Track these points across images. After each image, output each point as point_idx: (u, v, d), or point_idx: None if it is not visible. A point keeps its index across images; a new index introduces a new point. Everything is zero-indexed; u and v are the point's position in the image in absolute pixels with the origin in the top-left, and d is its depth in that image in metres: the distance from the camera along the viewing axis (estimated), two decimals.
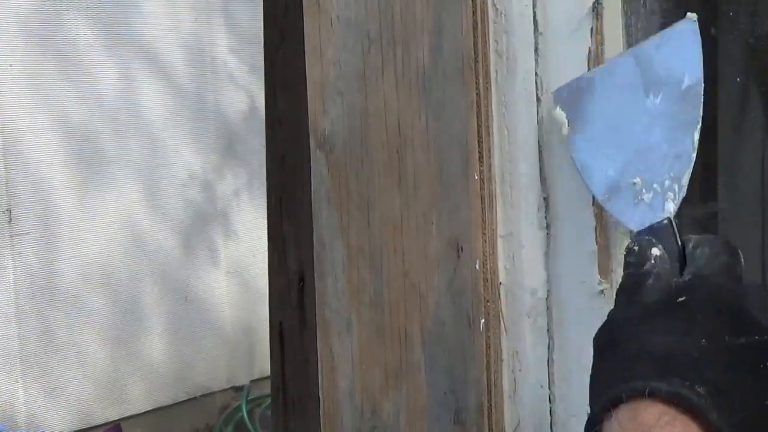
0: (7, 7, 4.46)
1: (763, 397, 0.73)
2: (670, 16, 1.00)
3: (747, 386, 0.73)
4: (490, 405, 1.01)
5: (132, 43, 4.88)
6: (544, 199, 1.02)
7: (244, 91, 5.35)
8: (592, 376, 0.79)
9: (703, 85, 0.86)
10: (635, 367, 0.73)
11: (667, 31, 0.89)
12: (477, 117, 1.00)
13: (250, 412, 5.20)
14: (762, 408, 0.73)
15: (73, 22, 4.68)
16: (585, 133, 0.93)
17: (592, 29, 0.97)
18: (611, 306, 0.98)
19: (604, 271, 0.97)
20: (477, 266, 1.00)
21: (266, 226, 1.00)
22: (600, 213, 0.98)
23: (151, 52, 4.98)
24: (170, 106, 5.07)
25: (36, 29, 4.56)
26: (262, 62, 0.95)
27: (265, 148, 1.00)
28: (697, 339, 0.74)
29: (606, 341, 0.79)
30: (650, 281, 0.80)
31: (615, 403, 0.72)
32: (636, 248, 0.82)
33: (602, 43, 0.97)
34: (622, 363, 0.75)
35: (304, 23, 0.87)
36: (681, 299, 0.77)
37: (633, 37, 0.99)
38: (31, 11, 4.54)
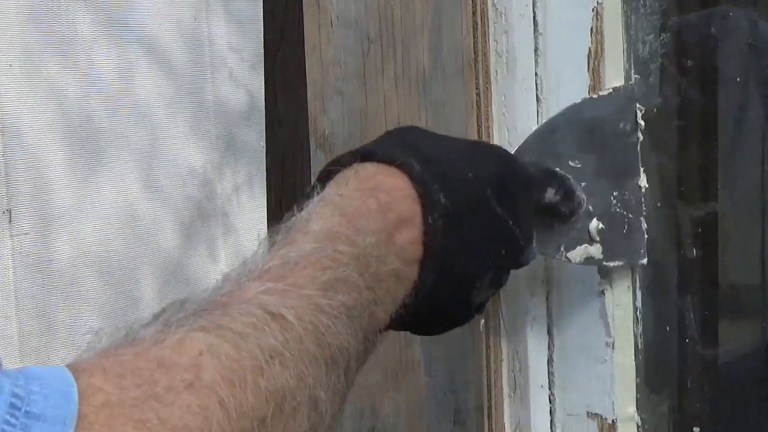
0: (7, 7, 4.46)
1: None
2: (670, 16, 1.00)
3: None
4: (490, 405, 1.01)
5: (132, 41, 4.88)
6: None
7: (244, 89, 5.36)
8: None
9: None
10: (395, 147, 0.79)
11: None
12: (477, 117, 0.99)
13: None
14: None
15: (73, 22, 4.68)
16: None
17: (592, 29, 0.97)
18: (611, 306, 0.98)
19: (604, 271, 0.97)
20: None
21: (266, 225, 1.00)
22: None
23: (151, 50, 4.98)
24: (171, 105, 5.07)
25: (36, 29, 4.56)
26: (262, 60, 0.95)
27: (265, 148, 1.01)
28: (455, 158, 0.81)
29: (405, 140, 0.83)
30: None
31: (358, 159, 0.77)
32: None
33: (602, 43, 0.97)
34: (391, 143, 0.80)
35: (304, 23, 0.87)
36: None
37: (633, 37, 0.99)
38: (32, 11, 4.55)
